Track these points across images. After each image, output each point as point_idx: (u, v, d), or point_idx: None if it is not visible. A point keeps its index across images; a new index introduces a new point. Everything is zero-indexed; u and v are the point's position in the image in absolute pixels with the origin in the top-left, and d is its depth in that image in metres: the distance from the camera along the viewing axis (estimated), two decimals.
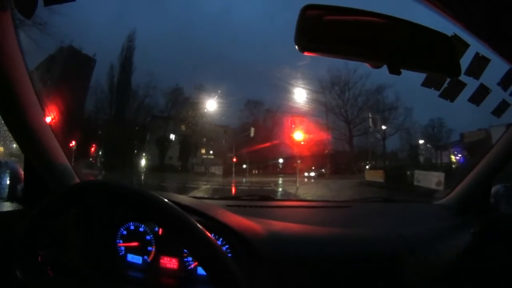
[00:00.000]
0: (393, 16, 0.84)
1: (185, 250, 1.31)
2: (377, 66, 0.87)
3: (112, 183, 0.89)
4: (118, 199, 0.88)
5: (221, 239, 1.23)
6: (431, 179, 12.43)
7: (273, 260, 1.17)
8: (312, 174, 17.50)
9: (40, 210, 0.93)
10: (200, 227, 0.80)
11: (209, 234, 0.79)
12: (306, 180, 16.88)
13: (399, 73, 0.83)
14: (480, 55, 1.60)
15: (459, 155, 19.22)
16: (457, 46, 1.26)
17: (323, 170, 19.62)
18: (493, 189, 1.70)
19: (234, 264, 0.77)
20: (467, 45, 1.51)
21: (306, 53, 0.82)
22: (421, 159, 21.34)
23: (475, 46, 1.50)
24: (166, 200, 0.84)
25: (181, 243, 0.82)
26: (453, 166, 18.16)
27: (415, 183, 13.47)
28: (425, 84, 1.78)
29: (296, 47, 0.80)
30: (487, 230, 1.52)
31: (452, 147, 20.54)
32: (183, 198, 1.41)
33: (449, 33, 0.99)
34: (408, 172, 15.55)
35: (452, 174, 12.63)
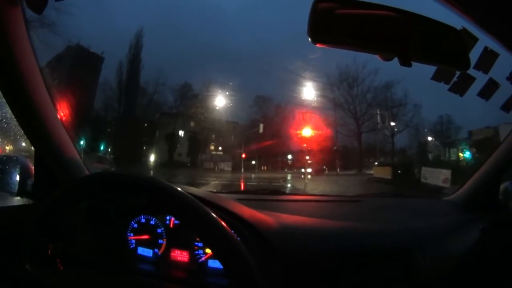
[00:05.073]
0: (403, 9, 0.86)
1: (199, 244, 1.32)
2: (388, 58, 0.89)
3: (127, 173, 0.90)
4: (134, 190, 0.89)
5: (232, 231, 1.23)
6: (438, 176, 12.30)
7: (285, 253, 1.17)
8: (309, 170, 17.32)
9: (51, 202, 0.94)
10: (219, 219, 0.80)
11: (226, 227, 0.80)
12: (310, 176, 16.76)
13: (409, 65, 0.85)
14: (489, 49, 1.58)
15: (467, 152, 18.98)
16: (466, 39, 1.25)
17: (324, 167, 19.47)
18: (502, 186, 1.70)
19: (251, 258, 0.78)
20: (476, 39, 1.50)
21: (318, 45, 0.85)
22: (429, 156, 21.03)
23: (484, 40, 1.49)
24: (182, 191, 0.84)
25: (198, 235, 0.83)
26: (461, 163, 17.91)
27: (422, 180, 13.33)
28: (435, 77, 1.77)
29: (309, 39, 0.83)
30: (495, 227, 1.52)
31: (460, 144, 20.28)
32: (195, 190, 1.40)
33: (458, 26, 0.99)
34: (416, 169, 15.40)
35: (460, 172, 12.46)
